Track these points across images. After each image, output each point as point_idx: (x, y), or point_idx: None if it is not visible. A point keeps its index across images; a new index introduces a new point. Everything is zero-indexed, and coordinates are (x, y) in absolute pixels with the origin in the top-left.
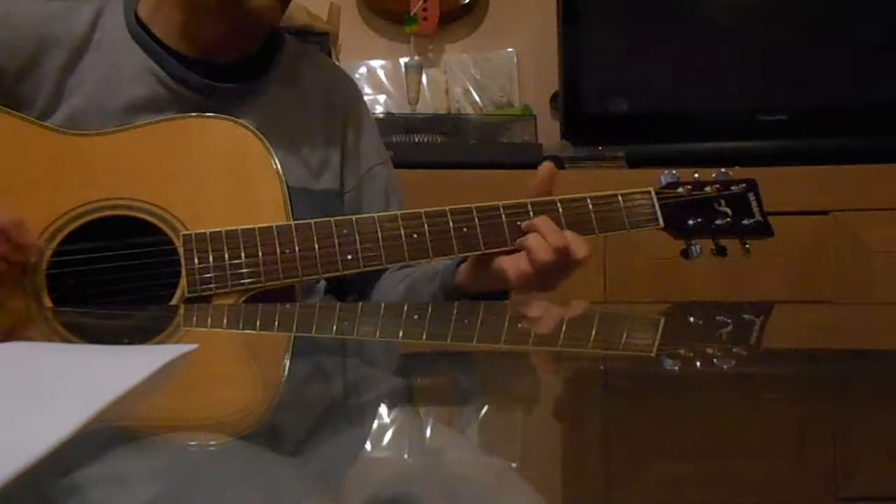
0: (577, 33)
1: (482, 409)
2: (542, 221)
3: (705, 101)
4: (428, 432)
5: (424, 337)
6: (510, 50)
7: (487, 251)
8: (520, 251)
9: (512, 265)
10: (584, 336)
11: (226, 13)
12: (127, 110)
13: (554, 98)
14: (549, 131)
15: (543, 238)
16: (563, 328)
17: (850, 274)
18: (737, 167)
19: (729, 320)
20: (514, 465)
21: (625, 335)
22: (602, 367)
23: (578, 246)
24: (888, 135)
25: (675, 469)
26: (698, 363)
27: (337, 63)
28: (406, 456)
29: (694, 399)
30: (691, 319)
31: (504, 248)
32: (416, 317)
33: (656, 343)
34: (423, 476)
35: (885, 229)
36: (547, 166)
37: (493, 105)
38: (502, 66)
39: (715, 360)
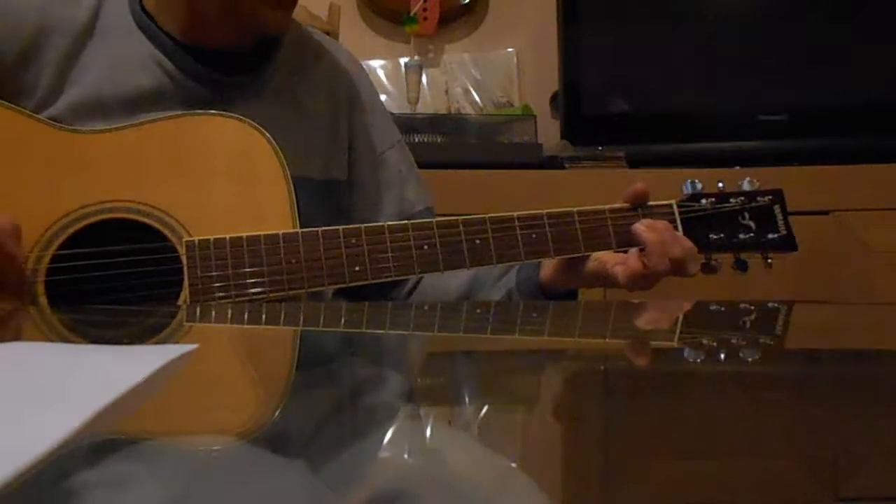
0: (577, 33)
1: (482, 409)
2: (665, 226)
3: (705, 101)
4: (428, 432)
5: (436, 329)
6: (510, 50)
7: (586, 252)
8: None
9: (619, 264)
10: (602, 326)
11: (229, 18)
12: (131, 101)
13: (554, 98)
14: (549, 131)
15: (662, 246)
16: (579, 319)
17: (850, 274)
18: (737, 167)
19: (752, 307)
20: (514, 464)
21: (646, 325)
22: (602, 367)
23: (693, 261)
24: (888, 135)
25: (675, 469)
26: (722, 354)
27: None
28: (406, 456)
29: (694, 399)
30: (712, 308)
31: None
32: (425, 308)
33: (678, 332)
34: (423, 476)
35: (885, 230)
36: (640, 187)
37: (493, 105)
38: (502, 66)
39: (741, 353)
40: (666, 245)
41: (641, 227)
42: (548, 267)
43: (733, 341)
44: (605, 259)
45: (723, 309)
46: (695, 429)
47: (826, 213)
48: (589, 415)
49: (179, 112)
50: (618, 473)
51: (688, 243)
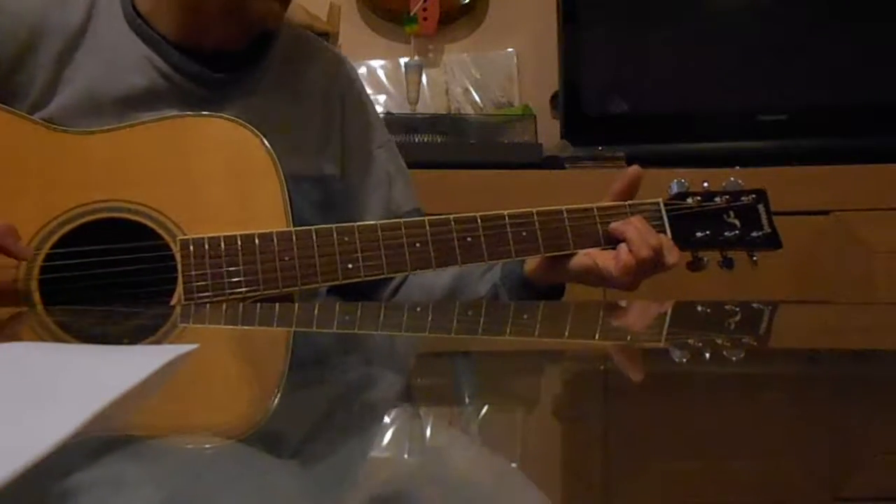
0: (577, 33)
1: (482, 409)
2: (639, 220)
3: (705, 101)
4: (428, 432)
5: (427, 331)
6: (510, 50)
7: (576, 250)
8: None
9: (610, 258)
10: (591, 328)
11: (228, 16)
12: (124, 101)
13: (554, 98)
14: (549, 131)
15: (641, 235)
16: (569, 320)
17: (850, 274)
18: (737, 167)
19: (738, 308)
20: (514, 464)
21: (633, 326)
22: (602, 367)
23: (670, 251)
24: (888, 135)
25: (676, 469)
26: (707, 354)
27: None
28: (406, 456)
29: (694, 399)
30: (699, 309)
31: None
32: (418, 309)
33: (664, 333)
34: (423, 476)
35: (885, 229)
36: (635, 169)
37: (493, 105)
38: (502, 66)
39: (724, 352)
40: (644, 235)
41: (619, 223)
42: (532, 260)
43: (718, 341)
44: (595, 255)
45: (708, 311)
46: (694, 429)
47: (826, 213)
48: (589, 415)
49: (173, 113)
50: (618, 473)
51: (663, 236)
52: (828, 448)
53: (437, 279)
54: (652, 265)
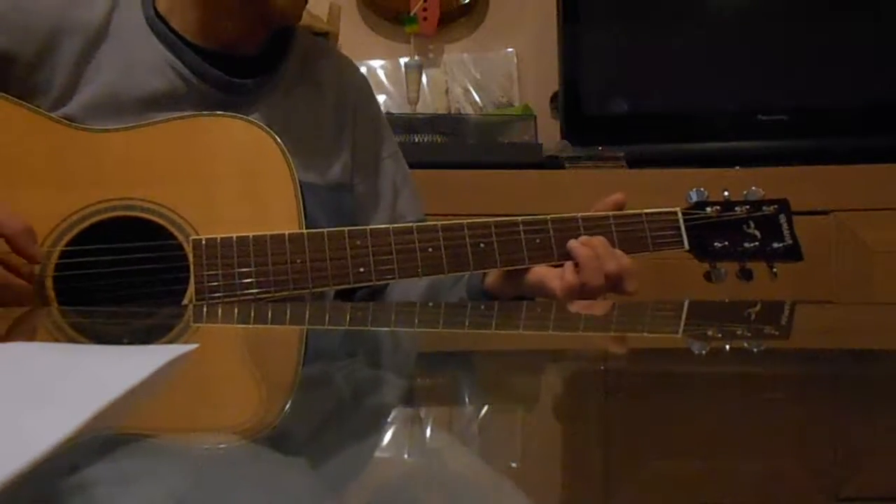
0: (577, 33)
1: (482, 409)
2: (600, 242)
3: (705, 101)
4: (428, 433)
5: (441, 325)
6: (510, 50)
7: (529, 265)
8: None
9: (555, 278)
10: (608, 321)
11: (248, 10)
12: (144, 103)
13: (554, 98)
14: (549, 131)
15: (595, 261)
16: (583, 314)
17: (850, 274)
18: (737, 167)
19: (756, 301)
20: (514, 464)
21: (650, 317)
22: (602, 367)
23: (631, 279)
24: (888, 135)
25: (675, 469)
26: (707, 354)
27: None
28: (406, 456)
29: (694, 399)
30: (716, 302)
31: (522, 265)
32: (430, 304)
33: (682, 324)
34: (423, 476)
35: (885, 229)
36: (618, 198)
37: (493, 105)
38: (502, 66)
39: (725, 353)
40: (600, 260)
41: (576, 242)
42: (492, 273)
43: (738, 332)
44: (543, 273)
45: (726, 300)
46: (695, 429)
47: (826, 213)
48: (589, 415)
49: (190, 112)
50: (618, 473)
51: (626, 260)
52: (828, 448)
53: (412, 291)
54: (604, 291)
